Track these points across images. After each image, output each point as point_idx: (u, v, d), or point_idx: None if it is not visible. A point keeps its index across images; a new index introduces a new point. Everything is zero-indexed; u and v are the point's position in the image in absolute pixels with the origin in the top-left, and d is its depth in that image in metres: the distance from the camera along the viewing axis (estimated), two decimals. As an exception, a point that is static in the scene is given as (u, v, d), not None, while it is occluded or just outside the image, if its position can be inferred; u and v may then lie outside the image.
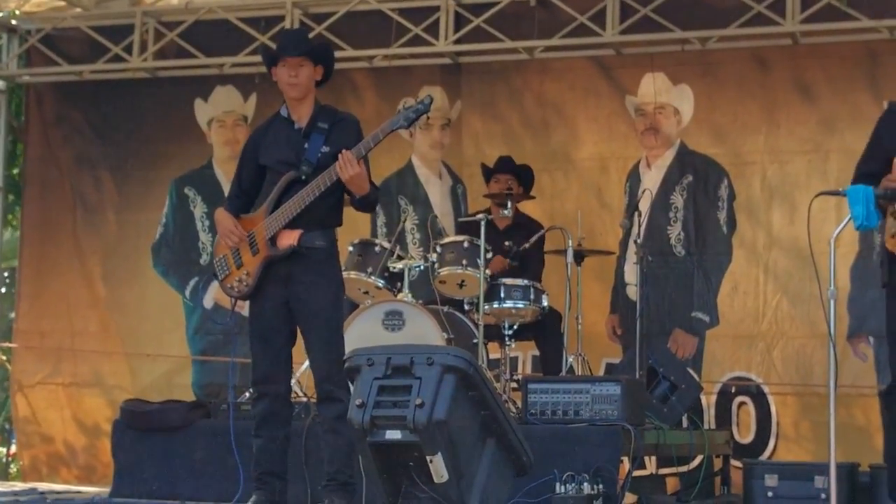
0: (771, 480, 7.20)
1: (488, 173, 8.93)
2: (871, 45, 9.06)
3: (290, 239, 6.37)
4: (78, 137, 10.81)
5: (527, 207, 8.99)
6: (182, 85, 10.53)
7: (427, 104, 6.41)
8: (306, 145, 6.43)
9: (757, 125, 9.33)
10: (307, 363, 7.80)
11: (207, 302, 10.16)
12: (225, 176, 10.28)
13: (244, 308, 6.66)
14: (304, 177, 6.38)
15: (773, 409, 9.05)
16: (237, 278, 6.49)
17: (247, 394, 7.41)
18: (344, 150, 6.27)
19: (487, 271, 8.05)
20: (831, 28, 9.02)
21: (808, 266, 5.91)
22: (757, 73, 9.37)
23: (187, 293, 10.34)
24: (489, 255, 8.09)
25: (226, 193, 9.89)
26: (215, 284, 9.95)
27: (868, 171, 5.89)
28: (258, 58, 9.85)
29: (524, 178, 8.80)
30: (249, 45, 10.01)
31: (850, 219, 5.63)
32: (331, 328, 6.42)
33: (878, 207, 5.67)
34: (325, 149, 6.40)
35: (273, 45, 9.24)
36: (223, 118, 10.46)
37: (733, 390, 9.16)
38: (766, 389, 9.09)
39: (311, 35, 9.80)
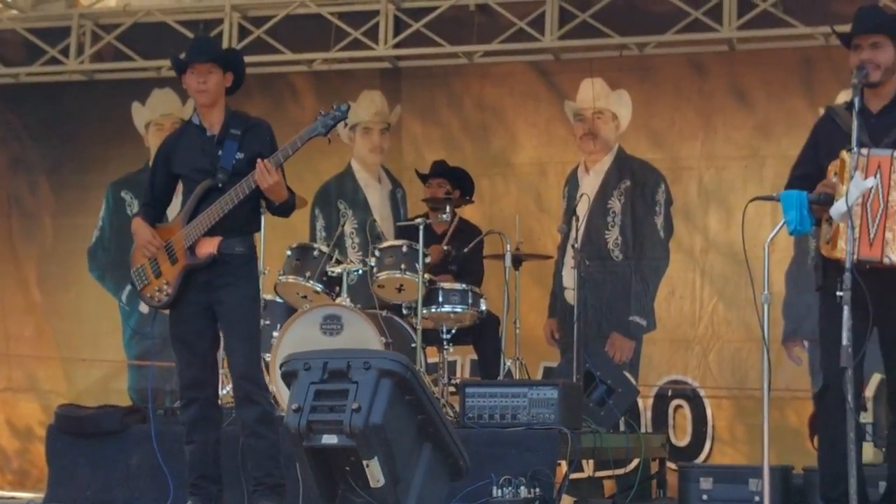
0: (706, 483, 7.26)
1: (424, 178, 8.95)
2: (807, 52, 9.16)
3: (209, 247, 6.37)
4: (14, 141, 10.71)
5: (466, 212, 9.01)
6: (119, 88, 10.47)
7: (344, 111, 6.45)
8: (220, 152, 6.43)
9: (694, 131, 9.40)
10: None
11: (144, 306, 10.08)
12: (163, 179, 10.21)
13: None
14: (220, 184, 6.38)
15: (708, 412, 9.11)
16: (157, 288, 6.48)
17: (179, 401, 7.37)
18: (261, 160, 6.26)
19: (427, 259, 8.05)
20: (767, 35, 9.12)
21: (744, 270, 5.96)
22: (694, 79, 9.44)
23: (123, 297, 10.27)
24: (427, 260, 8.09)
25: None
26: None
27: (801, 175, 5.94)
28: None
29: (459, 181, 8.81)
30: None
31: (783, 223, 5.68)
32: (249, 328, 6.43)
33: (812, 212, 5.71)
34: (240, 155, 6.41)
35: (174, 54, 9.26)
36: (161, 121, 10.41)
37: (670, 393, 9.22)
38: (701, 393, 9.15)
39: (249, 38, 9.82)
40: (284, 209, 6.48)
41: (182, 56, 6.57)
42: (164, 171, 6.59)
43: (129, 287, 10.22)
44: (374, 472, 5.33)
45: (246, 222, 6.47)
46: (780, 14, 8.98)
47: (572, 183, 9.63)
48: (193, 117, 6.58)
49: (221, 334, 6.46)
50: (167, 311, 6.56)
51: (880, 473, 6.21)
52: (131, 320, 10.23)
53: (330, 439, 5.39)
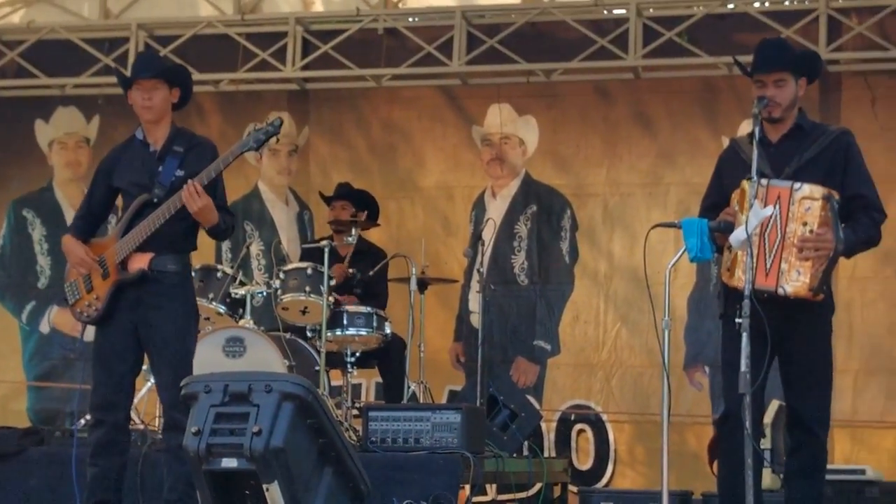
0: (606, 508, 7.32)
1: (327, 201, 8.94)
2: (710, 81, 9.31)
3: (140, 263, 6.28)
4: (-87, 157, 10.53)
5: (372, 234, 9.00)
6: (22, 105, 10.33)
7: (277, 126, 6.38)
8: (160, 168, 6.34)
9: (599, 157, 9.50)
10: (145, 389, 7.74)
11: (44, 327, 9.96)
12: (66, 198, 10.12)
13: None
14: (156, 200, 6.29)
15: (611, 436, 9.19)
16: (87, 303, 6.37)
17: (82, 421, 7.26)
18: (189, 181, 6.18)
19: (332, 282, 8.03)
20: (672, 63, 9.25)
21: (647, 296, 6.01)
22: (600, 106, 9.54)
23: (24, 317, 10.11)
24: (332, 282, 8.07)
25: (66, 216, 9.89)
26: (53, 308, 9.85)
27: (710, 205, 6.03)
28: (102, 79, 9.81)
29: (363, 203, 8.80)
30: (93, 67, 9.87)
31: (684, 250, 5.75)
32: (180, 355, 6.32)
33: (714, 240, 5.79)
34: (180, 172, 6.32)
35: (118, 67, 9.19)
36: (65, 140, 10.29)
37: (573, 418, 9.28)
38: (604, 417, 9.23)
39: (155, 58, 9.73)
40: (218, 232, 6.41)
41: (127, 72, 6.50)
42: (105, 184, 6.49)
43: (29, 307, 10.10)
44: (275, 497, 5.30)
45: (180, 240, 6.36)
46: (685, 43, 9.11)
47: (479, 207, 9.67)
48: (138, 132, 6.47)
49: (148, 358, 6.35)
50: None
51: (778, 499, 6.29)
52: (31, 340, 10.08)
53: (230, 463, 5.36)
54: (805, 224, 5.60)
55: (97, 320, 6.36)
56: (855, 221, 5.76)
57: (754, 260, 5.55)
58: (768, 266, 5.61)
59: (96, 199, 6.53)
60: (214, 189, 6.33)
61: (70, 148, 10.25)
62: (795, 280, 5.59)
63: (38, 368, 10.07)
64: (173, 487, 6.23)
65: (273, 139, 6.41)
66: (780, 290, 5.60)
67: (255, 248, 9.84)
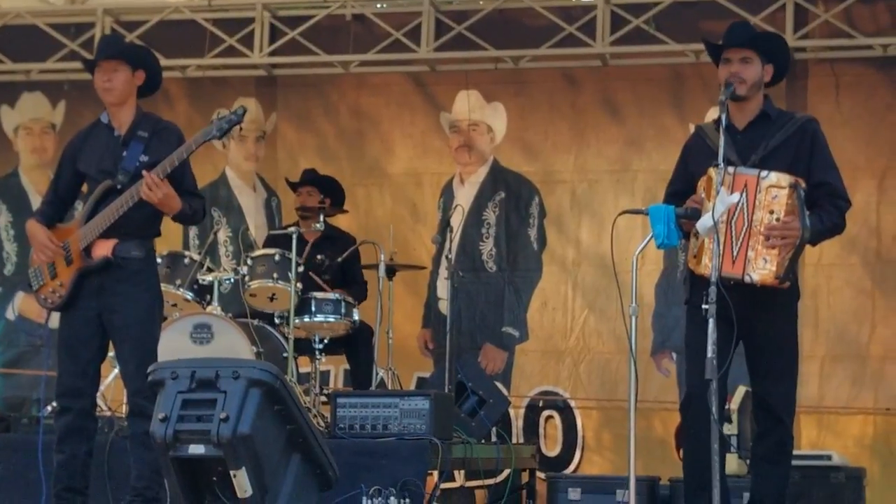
0: (574, 494, 7.35)
1: (293, 187, 8.92)
2: (677, 68, 9.34)
3: (104, 249, 6.24)
4: None
5: (341, 221, 8.99)
6: (-13, 90, 10.29)
7: (240, 114, 6.33)
8: (124, 153, 6.29)
9: (567, 144, 9.52)
10: (112, 375, 7.71)
11: (11, 314, 9.92)
12: (31, 184, 10.08)
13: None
14: (119, 186, 6.25)
15: (578, 422, 9.22)
16: (51, 289, 6.33)
17: (49, 407, 7.23)
18: (147, 172, 6.12)
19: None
20: (639, 51, 9.28)
21: (614, 283, 6.04)
22: (568, 93, 9.56)
23: (-11, 303, 10.09)
24: (300, 269, 8.06)
25: (32, 202, 9.84)
26: (20, 295, 9.80)
27: (675, 191, 6.04)
28: (67, 64, 9.77)
29: (329, 189, 8.78)
30: (59, 52, 9.81)
31: (651, 237, 5.76)
32: (143, 341, 6.29)
33: (681, 226, 5.80)
34: (144, 158, 6.27)
35: (81, 52, 9.15)
36: (30, 125, 10.24)
37: (541, 404, 9.31)
38: (572, 403, 9.26)
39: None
40: (183, 218, 6.38)
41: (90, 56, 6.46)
42: (70, 168, 6.43)
43: (-6, 293, 10.08)
44: (242, 483, 5.29)
45: (144, 226, 6.31)
46: (652, 31, 9.14)
47: (447, 194, 9.68)
48: (103, 116, 6.41)
49: (113, 345, 6.32)
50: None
51: (744, 485, 6.33)
52: (-3, 327, 10.07)
53: (197, 449, 5.34)
54: (772, 212, 5.61)
55: (61, 307, 6.33)
56: (820, 209, 5.79)
57: (721, 247, 5.57)
58: (735, 254, 5.63)
59: (63, 183, 6.48)
60: (182, 174, 6.30)
61: (36, 134, 10.20)
62: (762, 268, 5.62)
63: (5, 355, 10.03)
64: (140, 474, 6.21)
65: (237, 128, 6.37)
66: (747, 278, 5.62)
67: (223, 234, 9.82)
